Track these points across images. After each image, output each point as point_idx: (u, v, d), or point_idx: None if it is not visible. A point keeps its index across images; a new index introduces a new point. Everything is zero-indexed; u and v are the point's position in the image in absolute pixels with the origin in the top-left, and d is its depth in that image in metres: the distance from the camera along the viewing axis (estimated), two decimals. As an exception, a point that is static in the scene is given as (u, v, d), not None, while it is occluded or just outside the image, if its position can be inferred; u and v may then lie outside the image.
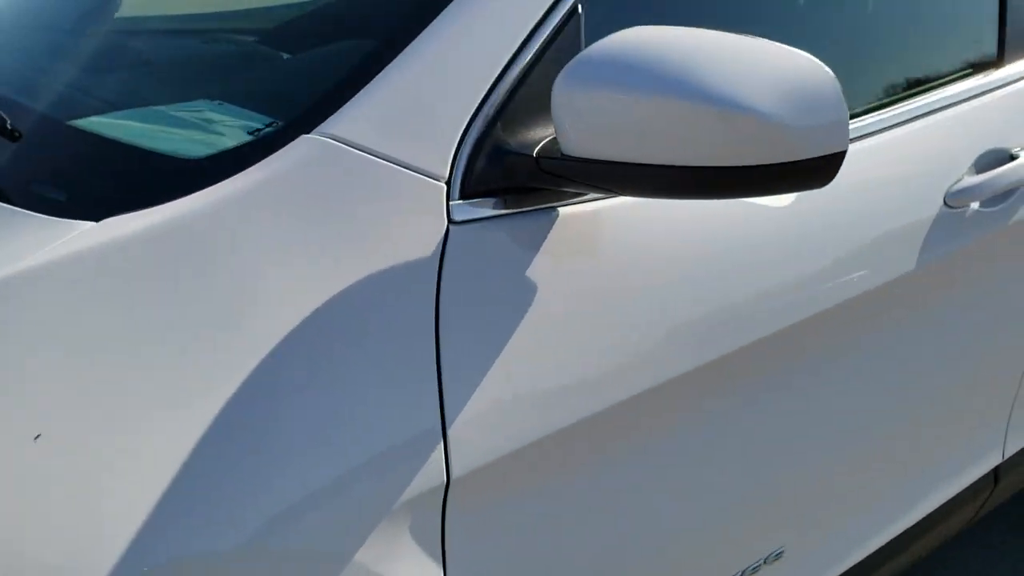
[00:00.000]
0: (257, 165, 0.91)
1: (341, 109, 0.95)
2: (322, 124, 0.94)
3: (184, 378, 0.82)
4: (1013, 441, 1.70)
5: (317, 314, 0.88)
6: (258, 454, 0.84)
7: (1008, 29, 1.52)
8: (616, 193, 1.00)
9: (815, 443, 1.33)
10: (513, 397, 0.97)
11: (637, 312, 1.05)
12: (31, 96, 1.28)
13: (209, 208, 0.88)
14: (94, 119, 1.15)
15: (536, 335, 0.98)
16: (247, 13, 1.66)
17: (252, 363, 0.84)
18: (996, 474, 1.71)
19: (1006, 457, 1.71)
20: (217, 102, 1.15)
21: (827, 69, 0.91)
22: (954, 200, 1.35)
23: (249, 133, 0.99)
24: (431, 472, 0.93)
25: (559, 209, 1.03)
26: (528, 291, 0.99)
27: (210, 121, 1.08)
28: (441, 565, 0.98)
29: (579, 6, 1.05)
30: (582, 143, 0.94)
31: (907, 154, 1.34)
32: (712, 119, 0.89)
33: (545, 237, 1.01)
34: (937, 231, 1.33)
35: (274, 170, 0.91)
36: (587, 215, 1.05)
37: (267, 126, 0.99)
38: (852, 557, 1.48)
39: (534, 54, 1.02)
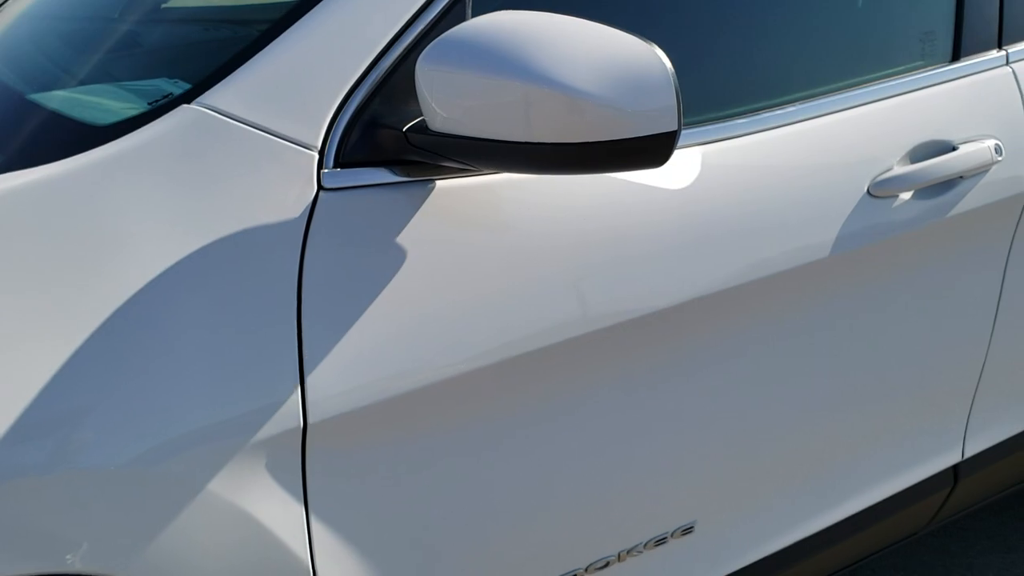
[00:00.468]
0: (137, 131, 1.02)
1: (221, 82, 1.05)
2: (202, 96, 1.05)
3: (49, 311, 0.93)
4: (974, 441, 1.68)
5: (178, 263, 0.98)
6: (120, 384, 0.95)
7: (965, 26, 1.51)
8: (479, 168, 1.07)
9: (729, 423, 1.36)
10: (372, 354, 1.05)
11: (502, 282, 1.11)
12: (21, 75, 1.42)
13: (83, 166, 0.99)
14: (54, 93, 1.29)
15: (397, 298, 1.06)
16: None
17: (115, 303, 0.95)
18: (955, 473, 1.69)
19: (966, 456, 1.68)
20: (174, 80, 1.26)
21: (661, 55, 0.96)
22: (878, 190, 1.36)
23: (149, 103, 1.10)
24: (288, 416, 1.02)
25: (436, 182, 1.10)
26: (394, 255, 1.07)
27: (143, 94, 1.19)
28: (303, 503, 1.06)
29: (467, -4, 1.12)
30: (442, 120, 1.01)
31: (834, 143, 1.36)
32: (546, 99, 0.95)
33: (418, 207, 1.09)
34: (858, 219, 1.34)
35: (148, 135, 1.02)
36: (462, 189, 1.12)
37: (164, 97, 1.10)
38: (776, 542, 1.49)
39: (416, 36, 1.10)
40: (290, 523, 1.06)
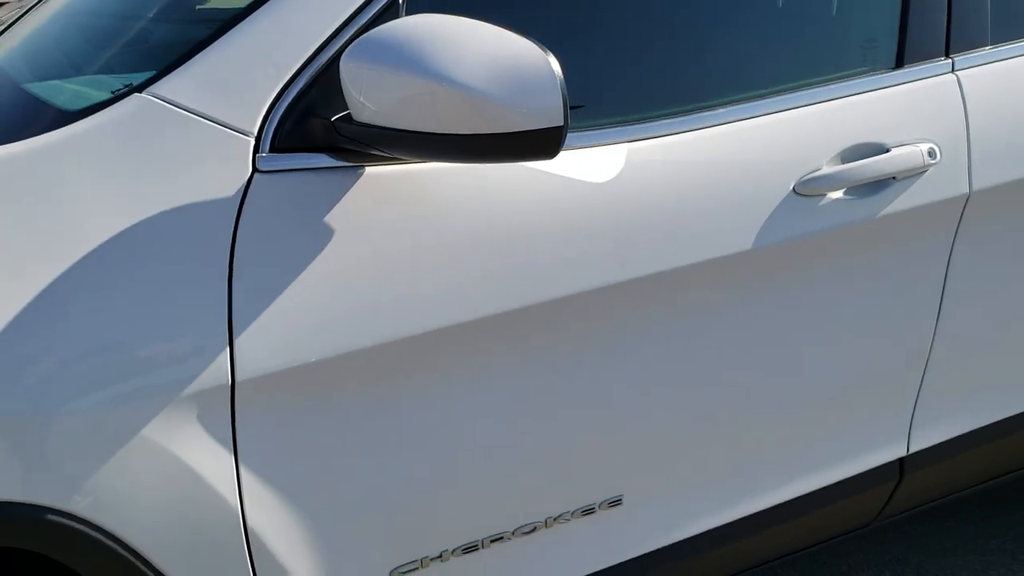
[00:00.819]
0: (94, 115, 1.16)
1: (170, 73, 1.18)
2: (152, 86, 1.18)
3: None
4: (920, 437, 1.73)
5: (120, 231, 1.11)
6: (64, 339, 1.08)
7: (909, 34, 1.57)
8: (400, 156, 1.18)
9: (656, 404, 1.45)
10: (296, 321, 1.17)
11: (421, 262, 1.22)
12: (32, 66, 1.58)
13: (45, 144, 1.13)
14: (52, 82, 1.44)
15: (322, 271, 1.18)
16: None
17: (61, 265, 1.09)
18: (902, 466, 1.75)
19: (911, 451, 1.74)
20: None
21: (551, 60, 1.06)
22: (804, 188, 1.43)
23: (112, 92, 1.24)
24: (217, 373, 1.14)
25: (366, 169, 1.22)
26: (321, 233, 1.19)
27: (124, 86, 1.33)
28: (233, 453, 1.19)
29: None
30: (364, 111, 1.13)
31: (761, 143, 1.43)
32: (448, 95, 1.06)
33: (346, 190, 1.20)
34: (781, 215, 1.42)
35: (101, 120, 1.15)
36: (390, 175, 1.23)
37: (126, 87, 1.23)
38: (708, 521, 1.57)
39: (351, 35, 1.22)
40: (221, 471, 1.18)
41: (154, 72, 1.23)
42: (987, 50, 1.62)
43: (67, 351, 1.08)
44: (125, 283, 1.11)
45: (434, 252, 1.24)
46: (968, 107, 1.57)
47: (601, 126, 1.37)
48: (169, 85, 1.18)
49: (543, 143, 1.08)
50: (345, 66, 1.13)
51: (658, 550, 1.55)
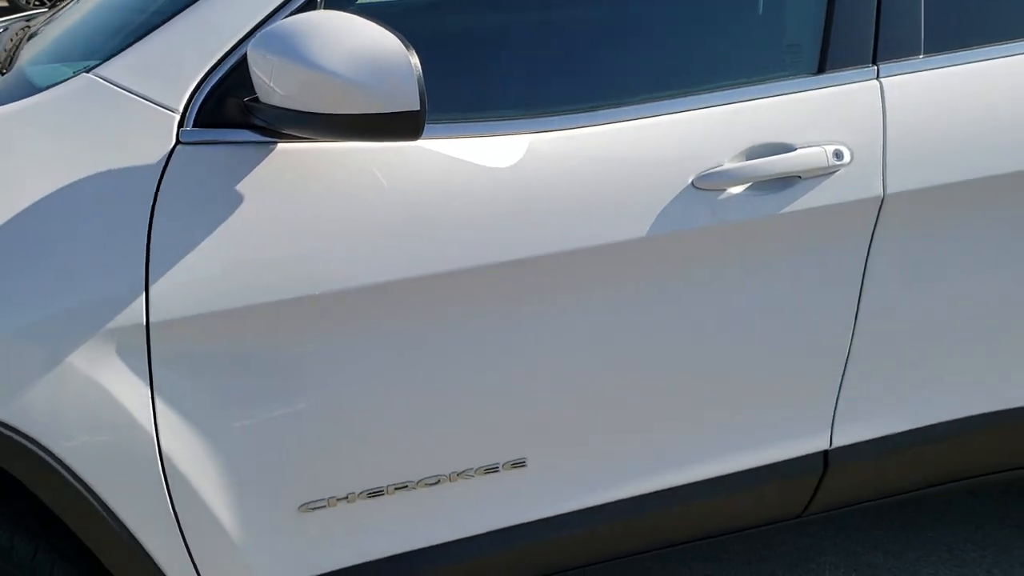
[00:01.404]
0: (50, 90, 1.37)
1: (115, 57, 1.39)
2: (98, 67, 1.38)
3: None
4: (843, 432, 1.79)
5: (57, 187, 1.31)
6: (2, 274, 1.29)
7: (832, 42, 1.64)
8: (293, 132, 1.35)
9: (560, 376, 1.57)
10: (205, 271, 1.35)
11: (322, 230, 1.38)
12: (49, 53, 1.81)
13: (7, 111, 1.35)
14: (55, 65, 1.66)
15: (230, 232, 1.35)
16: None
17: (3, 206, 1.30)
18: (825, 459, 1.81)
19: (834, 445, 1.80)
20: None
21: (407, 51, 1.21)
22: (702, 183, 1.53)
23: (74, 72, 1.44)
24: (134, 313, 1.33)
25: (279, 144, 1.39)
26: (232, 196, 1.36)
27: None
28: (149, 385, 1.38)
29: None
30: (266, 93, 1.30)
31: (664, 139, 1.53)
32: (323, 81, 1.23)
33: (258, 162, 1.38)
34: (677, 207, 1.52)
35: (52, 94, 1.37)
36: (299, 150, 1.40)
37: (85, 69, 1.44)
38: (613, 492, 1.68)
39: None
40: (137, 400, 1.37)
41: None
42: (918, 59, 1.67)
43: (9, 286, 1.29)
44: (58, 231, 1.31)
45: (333, 222, 1.40)
46: (888, 113, 1.63)
47: (506, 117, 1.51)
48: (112, 67, 1.39)
49: (403, 124, 1.23)
50: (251, 54, 1.30)
51: (561, 515, 1.67)
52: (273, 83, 1.28)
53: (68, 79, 1.41)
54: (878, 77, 1.65)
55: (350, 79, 1.21)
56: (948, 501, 2.55)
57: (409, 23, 1.76)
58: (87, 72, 1.40)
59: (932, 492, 1.98)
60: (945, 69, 1.68)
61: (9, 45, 1.86)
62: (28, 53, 1.76)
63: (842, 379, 1.75)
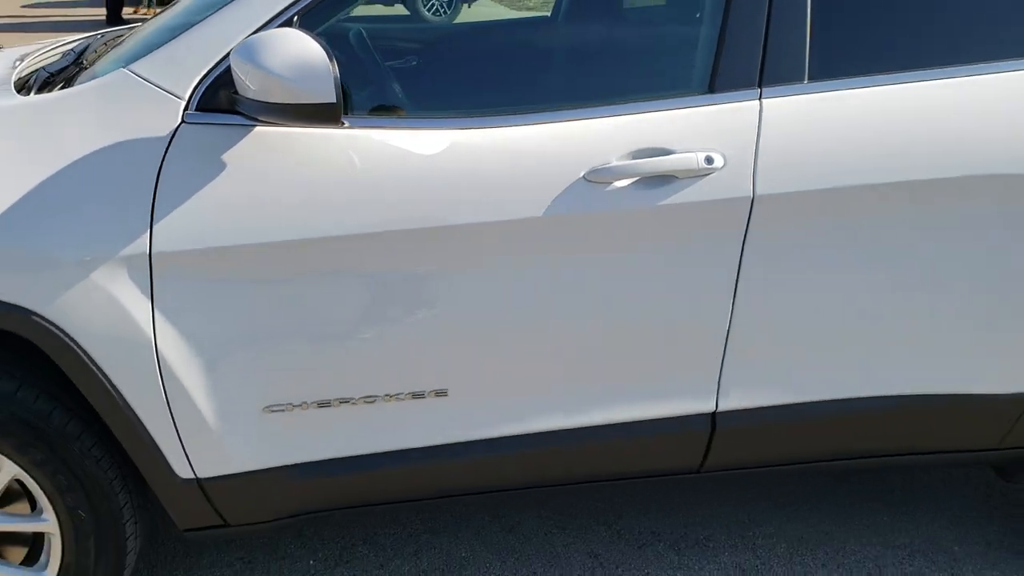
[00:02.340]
0: (98, 79, 1.89)
1: (146, 55, 1.89)
2: (131, 64, 1.89)
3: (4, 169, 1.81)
4: (727, 399, 2.11)
5: (87, 151, 1.81)
6: (41, 215, 1.80)
7: (721, 68, 1.98)
8: (260, 117, 1.80)
9: (471, 318, 1.96)
10: (199, 218, 1.82)
11: (288, 194, 1.83)
12: (134, 52, 2.35)
13: (67, 92, 1.88)
14: (119, 64, 2.19)
15: (216, 190, 1.82)
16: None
17: (45, 169, 1.81)
18: (713, 420, 2.13)
19: (720, 409, 2.12)
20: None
21: (326, 59, 1.66)
22: (592, 176, 1.90)
23: (121, 66, 1.95)
24: (140, 245, 1.81)
25: (256, 127, 1.86)
26: (218, 164, 1.83)
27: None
28: (150, 300, 1.86)
29: (294, 18, 1.87)
30: (242, 88, 1.77)
31: (564, 140, 1.91)
32: (269, 79, 1.69)
33: (240, 139, 1.84)
34: (568, 196, 1.90)
35: (98, 82, 1.88)
36: (275, 132, 1.85)
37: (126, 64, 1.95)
38: (523, 426, 2.06)
39: (259, 38, 1.86)
40: (141, 310, 1.86)
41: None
42: (800, 85, 1.99)
43: (58, 220, 1.80)
44: (92, 182, 1.81)
45: (293, 187, 1.85)
46: (763, 129, 1.96)
47: (435, 116, 1.93)
48: (140, 65, 1.89)
49: (325, 113, 1.68)
50: (231, 60, 1.77)
51: (476, 441, 2.07)
52: (245, 81, 1.74)
53: (112, 72, 1.92)
54: (760, 98, 1.98)
55: (287, 78, 1.66)
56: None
57: (376, 44, 2.23)
58: (124, 68, 1.91)
59: (855, 466, 2.27)
60: (823, 94, 1.99)
61: (101, 50, 2.40)
62: (109, 55, 2.30)
63: (724, 353, 2.08)
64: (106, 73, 2.00)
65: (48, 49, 2.60)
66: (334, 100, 1.67)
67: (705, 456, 2.20)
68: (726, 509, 2.74)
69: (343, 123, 1.79)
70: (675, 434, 2.15)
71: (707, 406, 2.13)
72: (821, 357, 2.11)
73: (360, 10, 1.97)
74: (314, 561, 2.53)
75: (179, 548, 2.58)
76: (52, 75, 2.20)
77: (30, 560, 2.11)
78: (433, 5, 6.62)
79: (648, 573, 2.48)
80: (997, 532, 2.65)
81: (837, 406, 2.16)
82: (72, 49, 2.53)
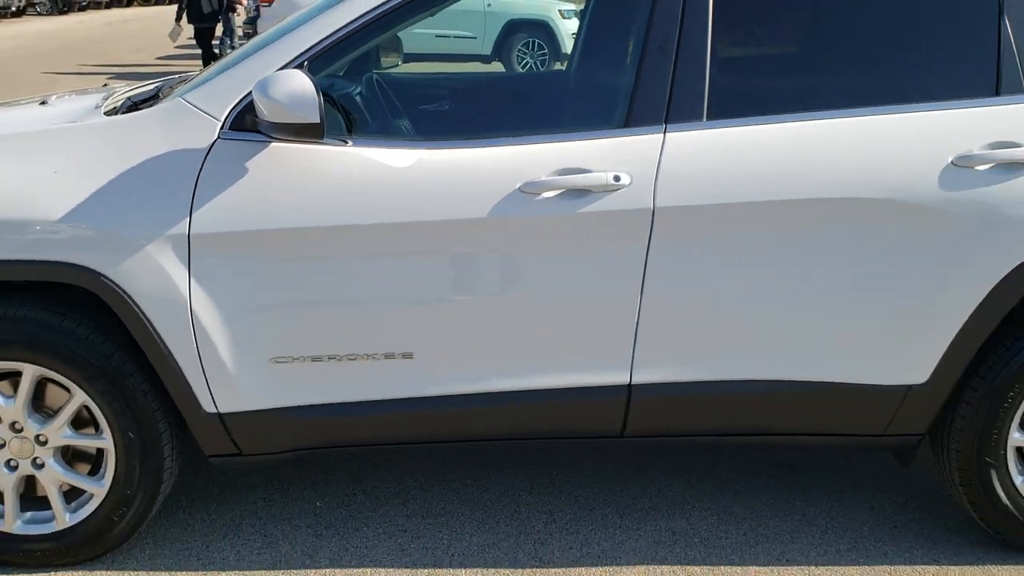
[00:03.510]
0: (161, 103, 2.55)
1: (198, 87, 2.55)
2: (185, 93, 2.55)
3: (80, 172, 2.48)
4: (641, 373, 2.60)
5: (146, 157, 2.47)
6: (108, 207, 2.46)
7: (634, 108, 2.52)
8: (275, 136, 2.42)
9: (430, 301, 2.53)
10: (226, 207, 2.44)
11: (294, 193, 2.45)
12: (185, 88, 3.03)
13: (142, 113, 2.54)
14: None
15: (241, 188, 2.45)
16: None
17: (121, 165, 2.46)
18: (629, 391, 2.63)
19: (634, 381, 2.62)
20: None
21: (314, 91, 2.27)
22: (526, 188, 2.46)
23: (180, 97, 2.61)
24: (183, 227, 2.45)
25: (272, 143, 2.48)
26: (243, 169, 2.46)
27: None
28: (187, 268, 2.49)
29: (305, 63, 2.50)
30: (260, 113, 2.40)
31: (506, 160, 2.48)
32: (273, 104, 2.31)
33: (260, 151, 2.47)
34: (506, 203, 2.46)
35: (160, 105, 2.54)
36: (286, 147, 2.47)
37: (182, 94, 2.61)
38: (480, 386, 2.60)
39: (277, 78, 2.50)
40: (180, 276, 2.48)
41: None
42: (699, 123, 2.52)
43: (124, 206, 2.45)
44: (150, 180, 2.46)
45: (299, 187, 2.45)
46: (663, 156, 2.48)
47: (404, 140, 2.54)
48: (191, 94, 2.55)
49: (312, 130, 2.29)
50: (253, 92, 2.40)
51: (437, 396, 2.61)
52: (261, 107, 2.37)
53: (170, 99, 2.58)
54: (664, 132, 2.51)
55: (286, 105, 2.28)
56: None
57: (383, 87, 2.87)
58: (181, 97, 2.57)
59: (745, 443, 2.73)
60: (715, 130, 2.51)
61: (175, 85, 3.08)
62: (176, 88, 2.98)
63: (636, 334, 2.58)
64: (170, 100, 2.66)
65: (140, 86, 3.31)
66: (318, 121, 2.28)
67: (625, 422, 2.69)
68: (675, 488, 3.20)
69: (347, 141, 2.39)
70: (600, 400, 2.65)
71: (623, 378, 2.63)
72: (718, 343, 2.59)
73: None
74: (320, 503, 3.10)
75: (214, 489, 3.19)
76: (136, 103, 2.88)
77: (92, 474, 2.73)
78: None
79: (592, 530, 2.96)
80: (906, 519, 3.04)
81: (736, 386, 2.63)
82: (156, 85, 3.22)
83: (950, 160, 2.49)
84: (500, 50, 13.71)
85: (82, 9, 35.29)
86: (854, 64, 2.67)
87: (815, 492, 3.20)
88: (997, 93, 2.55)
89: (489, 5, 13.66)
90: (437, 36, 13.06)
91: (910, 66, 2.67)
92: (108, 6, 36.87)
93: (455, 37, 13.38)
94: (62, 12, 33.98)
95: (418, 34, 12.85)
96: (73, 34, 24.69)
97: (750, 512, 3.07)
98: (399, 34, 3.66)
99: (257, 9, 15.28)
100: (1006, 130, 2.50)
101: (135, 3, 39.90)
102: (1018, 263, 2.51)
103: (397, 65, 3.52)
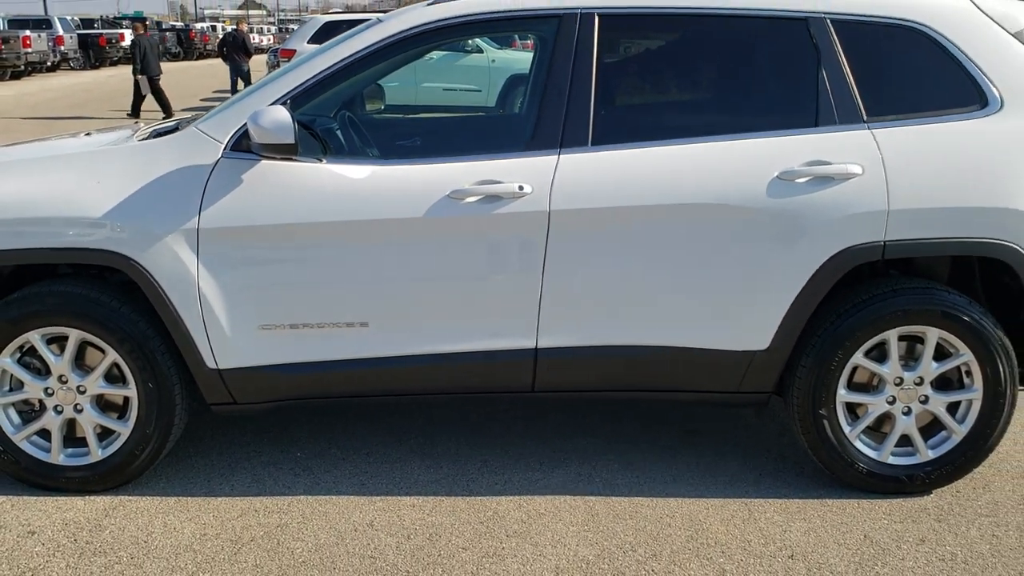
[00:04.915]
0: (180, 131, 3.38)
1: (207, 119, 3.38)
2: (198, 122, 3.38)
3: (120, 183, 3.30)
4: (545, 339, 3.36)
5: (165, 171, 3.29)
6: (133, 210, 3.27)
7: (537, 134, 3.32)
8: (264, 155, 3.24)
9: (383, 281, 3.32)
10: (225, 208, 3.25)
11: (281, 196, 3.26)
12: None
13: (154, 141, 3.37)
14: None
15: (239, 195, 3.26)
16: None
17: (141, 180, 3.29)
18: (536, 353, 3.39)
19: (540, 346, 3.38)
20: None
21: (290, 119, 3.09)
22: (453, 194, 3.25)
23: (194, 126, 3.44)
24: (192, 223, 3.26)
25: (262, 161, 3.29)
26: (239, 180, 3.27)
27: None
28: (196, 254, 3.29)
29: (287, 100, 3.33)
30: (251, 137, 3.22)
31: (441, 173, 3.28)
32: (260, 130, 3.14)
33: (252, 167, 3.29)
34: (438, 205, 3.25)
35: (176, 135, 3.37)
36: (276, 165, 3.29)
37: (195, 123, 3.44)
38: (420, 349, 3.37)
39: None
40: (190, 260, 3.28)
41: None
42: (586, 147, 3.31)
43: (150, 207, 3.26)
44: (168, 189, 3.27)
45: (282, 196, 3.26)
46: (557, 172, 3.27)
47: (364, 159, 3.35)
48: (203, 123, 3.38)
49: (287, 149, 3.11)
50: (247, 121, 3.22)
51: (386, 357, 3.39)
52: (252, 132, 3.18)
53: (187, 128, 3.41)
54: (559, 155, 3.30)
55: (269, 130, 3.10)
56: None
57: (353, 123, 3.71)
58: (194, 126, 3.40)
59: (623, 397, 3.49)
60: (597, 153, 3.30)
61: (191, 119, 3.91)
62: (193, 121, 3.80)
63: (539, 309, 3.35)
64: (187, 129, 3.49)
65: (162, 122, 4.14)
66: (293, 142, 3.10)
67: (534, 379, 3.45)
68: (589, 445, 3.94)
69: (321, 159, 3.21)
70: (514, 361, 3.42)
71: (531, 344, 3.40)
72: (604, 315, 3.36)
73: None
74: (300, 454, 3.86)
75: (215, 443, 3.96)
76: (160, 133, 3.71)
77: (119, 418, 3.52)
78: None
79: (515, 472, 3.70)
80: (772, 468, 3.76)
81: (620, 350, 3.39)
82: (175, 121, 4.06)
83: (776, 174, 3.26)
84: (504, 102, 14.68)
85: (113, 64, 36.82)
86: (707, 104, 3.47)
87: (703, 448, 3.93)
88: (816, 125, 3.33)
89: (493, 61, 14.63)
90: (445, 90, 14.03)
91: (750, 105, 3.46)
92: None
93: (462, 90, 14.33)
94: (94, 67, 35.50)
95: (428, 88, 13.86)
96: (103, 86, 25.98)
97: (647, 462, 3.80)
98: (381, 83, 4.47)
99: (278, 62, 16.61)
100: (820, 152, 3.28)
101: (164, 58, 41.46)
102: (831, 255, 3.27)
103: (380, 110, 4.35)
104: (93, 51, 35.70)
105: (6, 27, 30.41)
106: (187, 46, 47.18)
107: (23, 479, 3.53)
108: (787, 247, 3.28)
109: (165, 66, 19.22)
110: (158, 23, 52.04)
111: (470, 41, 14.18)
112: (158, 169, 3.31)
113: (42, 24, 33.03)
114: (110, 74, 32.22)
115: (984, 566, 3.10)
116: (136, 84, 17.04)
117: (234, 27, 22.95)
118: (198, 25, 56.21)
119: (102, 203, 3.26)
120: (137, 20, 27.07)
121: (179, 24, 60.72)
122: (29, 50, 28.55)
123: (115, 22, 45.76)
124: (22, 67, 28.52)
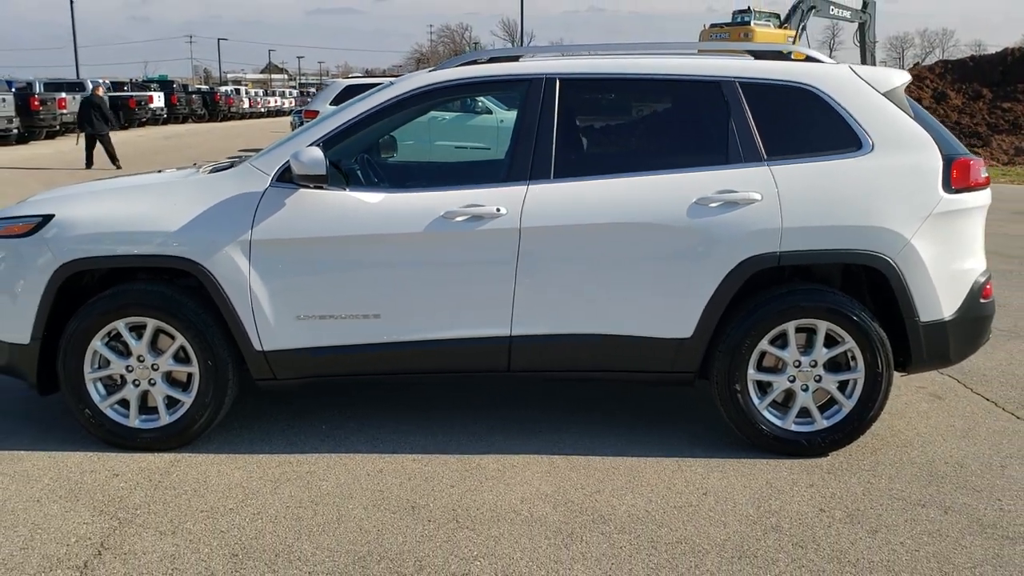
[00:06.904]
0: (232, 168, 4.41)
1: (260, 157, 4.40)
2: (252, 159, 4.41)
3: (182, 210, 4.31)
4: (518, 327, 4.31)
5: (225, 198, 4.30)
6: (192, 226, 4.28)
7: (512, 168, 4.33)
8: (303, 184, 4.24)
9: (394, 285, 4.30)
10: (273, 226, 4.25)
11: (316, 218, 4.26)
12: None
13: (216, 175, 4.40)
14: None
15: (283, 217, 4.26)
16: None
17: (201, 206, 4.30)
18: (510, 340, 4.35)
19: (514, 334, 4.33)
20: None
21: (322, 156, 4.12)
22: (446, 215, 4.23)
23: (248, 162, 4.46)
24: (245, 236, 4.26)
25: (300, 189, 4.30)
26: (283, 205, 4.28)
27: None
28: (248, 259, 4.28)
29: (320, 143, 4.35)
30: (293, 170, 4.24)
31: (439, 199, 4.28)
32: (300, 163, 4.16)
33: (292, 194, 4.29)
34: (435, 223, 4.24)
35: (235, 168, 4.40)
36: (312, 193, 4.29)
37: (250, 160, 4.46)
38: (421, 335, 4.34)
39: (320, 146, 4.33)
40: (244, 266, 4.28)
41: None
42: (549, 180, 4.30)
43: (213, 224, 4.27)
44: (228, 212, 4.28)
45: (318, 216, 4.26)
46: (527, 198, 4.26)
47: (379, 189, 4.36)
48: (257, 160, 4.40)
49: (319, 179, 4.13)
50: (290, 159, 4.23)
51: (395, 342, 4.35)
52: (294, 167, 4.19)
53: (241, 164, 4.44)
54: (528, 185, 4.30)
55: (306, 164, 4.11)
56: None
57: (370, 161, 4.75)
58: (248, 162, 4.42)
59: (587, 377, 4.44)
60: (558, 184, 4.30)
61: (245, 158, 4.92)
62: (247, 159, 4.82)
63: (513, 306, 4.32)
64: (242, 165, 4.51)
65: (221, 162, 5.17)
66: (324, 174, 4.10)
67: (509, 361, 4.41)
68: (560, 418, 4.87)
69: (345, 188, 4.22)
70: (493, 345, 4.37)
71: (507, 332, 4.36)
72: (565, 309, 4.32)
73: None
74: (324, 427, 4.81)
75: (257, 420, 4.91)
76: (219, 168, 4.73)
77: (183, 390, 4.49)
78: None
79: (495, 436, 4.63)
80: (697, 430, 4.67)
81: (578, 337, 4.34)
82: (230, 160, 5.10)
83: (694, 200, 4.24)
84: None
85: (141, 124, 38.41)
86: (643, 146, 4.48)
87: (651, 421, 4.86)
88: (727, 162, 4.32)
89: (502, 121, 15.79)
90: (456, 147, 15.16)
91: (675, 147, 4.46)
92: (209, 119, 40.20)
93: (471, 148, 15.47)
94: (123, 127, 37.08)
95: (441, 146, 14.99)
96: (134, 144, 27.29)
97: (603, 433, 4.72)
98: (395, 136, 5.49)
99: (302, 121, 17.93)
100: (728, 183, 4.26)
101: (190, 119, 43.25)
102: (738, 262, 4.23)
103: (392, 156, 5.38)
104: (123, 112, 37.32)
105: (43, 90, 31.95)
106: (211, 108, 49.06)
107: (107, 440, 4.49)
108: (703, 256, 4.24)
109: (191, 127, 21.04)
110: (184, 86, 53.96)
111: (480, 103, 15.34)
112: (221, 195, 4.32)
113: (75, 87, 34.70)
114: (139, 134, 33.72)
115: (854, 499, 4.00)
116: (102, 139, 20.14)
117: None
118: (222, 88, 58.28)
119: (177, 221, 4.27)
120: (154, 82, 29.19)
121: (204, 87, 62.87)
122: (64, 111, 30.06)
123: (144, 85, 47.65)
124: (57, 127, 29.99)
